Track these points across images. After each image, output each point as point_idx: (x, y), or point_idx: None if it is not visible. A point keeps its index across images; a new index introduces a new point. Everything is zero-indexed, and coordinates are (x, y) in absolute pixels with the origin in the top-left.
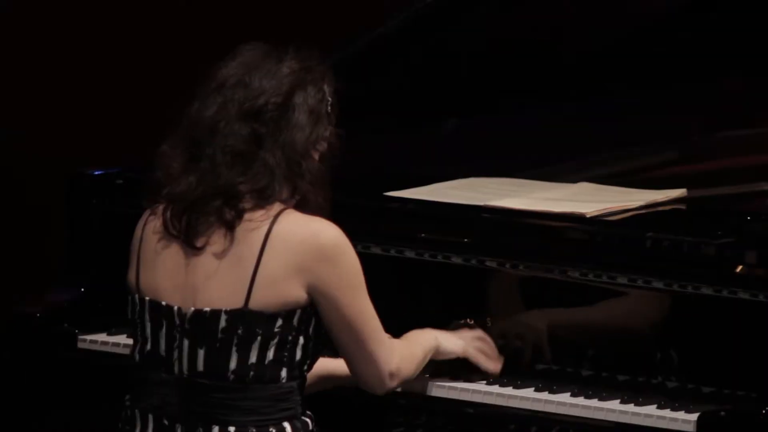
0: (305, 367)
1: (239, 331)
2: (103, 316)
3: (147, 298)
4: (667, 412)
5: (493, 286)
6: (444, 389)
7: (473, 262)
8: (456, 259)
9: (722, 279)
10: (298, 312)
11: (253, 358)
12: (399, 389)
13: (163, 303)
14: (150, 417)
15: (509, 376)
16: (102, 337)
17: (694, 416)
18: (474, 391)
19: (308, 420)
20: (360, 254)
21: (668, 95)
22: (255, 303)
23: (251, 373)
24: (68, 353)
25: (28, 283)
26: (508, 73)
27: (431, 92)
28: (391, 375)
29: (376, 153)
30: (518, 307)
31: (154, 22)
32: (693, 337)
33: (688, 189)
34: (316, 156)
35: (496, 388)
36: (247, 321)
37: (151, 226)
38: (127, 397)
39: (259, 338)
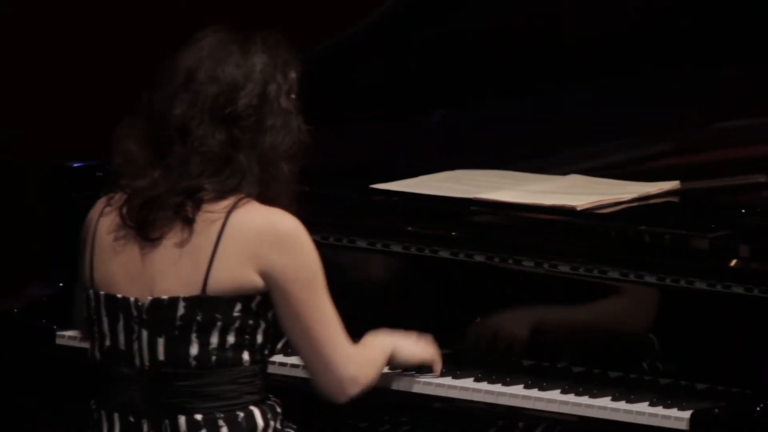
0: (266, 352)
1: (198, 318)
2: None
3: (102, 293)
4: (659, 410)
5: (481, 281)
6: (431, 386)
7: (461, 256)
8: (443, 254)
9: (716, 273)
10: (258, 297)
11: (213, 343)
12: (379, 386)
13: (119, 296)
14: (116, 416)
15: (498, 372)
16: (70, 332)
17: (687, 414)
18: (462, 388)
19: (275, 404)
20: (345, 248)
21: (662, 85)
22: (212, 289)
23: (213, 357)
24: (46, 349)
25: (6, 277)
26: (497, 63)
27: (418, 83)
28: (351, 381)
29: (362, 145)
30: (507, 302)
31: (134, 14)
32: (686, 333)
33: (682, 181)
34: (287, 155)
35: (484, 385)
36: (206, 307)
37: (106, 219)
38: (93, 401)
39: (219, 323)
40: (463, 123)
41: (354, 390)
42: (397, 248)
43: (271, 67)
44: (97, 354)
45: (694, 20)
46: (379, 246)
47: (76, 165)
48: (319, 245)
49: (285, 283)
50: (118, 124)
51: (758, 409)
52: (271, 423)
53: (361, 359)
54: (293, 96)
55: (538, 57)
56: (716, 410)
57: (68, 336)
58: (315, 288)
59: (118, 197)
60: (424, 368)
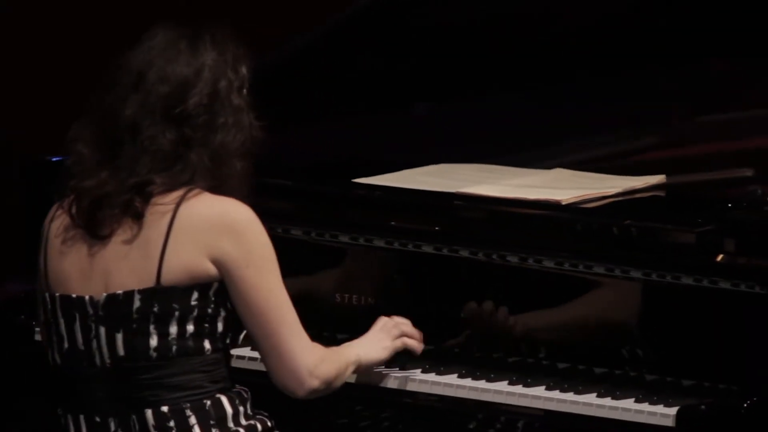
0: (228, 340)
1: (155, 309)
2: None
3: (57, 294)
4: (645, 406)
5: (465, 277)
6: (415, 383)
7: (445, 251)
8: (427, 248)
9: (702, 268)
10: (215, 285)
11: (173, 333)
12: (360, 381)
13: (74, 295)
14: (81, 418)
15: (482, 368)
16: None
17: (673, 410)
18: (446, 385)
19: (242, 391)
20: (327, 244)
21: (648, 79)
22: (166, 279)
23: (173, 347)
24: (24, 346)
25: None
26: (483, 56)
27: (402, 76)
28: (311, 373)
29: (343, 138)
30: (492, 298)
31: (112, 7)
32: (672, 329)
33: (668, 175)
34: (239, 151)
35: (468, 381)
36: (161, 298)
37: (56, 222)
38: (59, 408)
39: (176, 313)
40: (447, 116)
41: (312, 383)
42: (379, 243)
43: (221, 63)
44: (57, 358)
45: (679, 13)
46: (361, 241)
47: (54, 159)
48: (300, 240)
49: (237, 269)
50: (71, 126)
51: (745, 405)
52: (241, 409)
53: (320, 353)
54: (245, 92)
55: (525, 51)
56: (703, 406)
57: None
58: (268, 275)
59: (69, 200)
60: (403, 357)
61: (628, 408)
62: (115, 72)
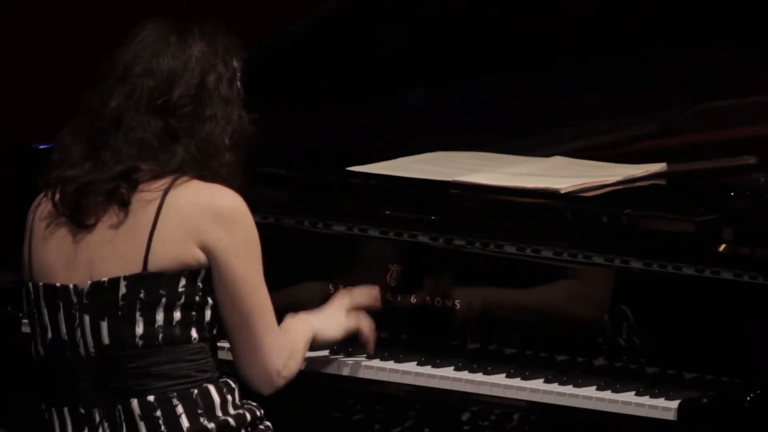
0: (215, 330)
1: (141, 295)
2: None
3: (41, 284)
4: (646, 399)
5: (461, 267)
6: (410, 375)
7: (440, 241)
8: (422, 238)
9: (704, 258)
10: (203, 272)
11: (159, 321)
12: (346, 374)
13: (58, 284)
14: (65, 411)
15: (479, 361)
16: None
17: (674, 404)
18: (442, 377)
19: (230, 381)
20: (321, 233)
21: (648, 63)
22: (153, 265)
23: (160, 335)
24: (11, 337)
25: None
26: (479, 40)
27: (395, 61)
28: (279, 373)
29: (338, 126)
30: (488, 288)
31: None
32: (673, 320)
33: (668, 163)
34: (229, 144)
35: (465, 374)
36: (148, 284)
37: (40, 210)
38: (43, 403)
39: (163, 300)
40: (443, 102)
41: (279, 383)
42: (374, 233)
43: (211, 55)
44: (41, 349)
45: None
46: (355, 230)
47: (41, 147)
48: (292, 230)
49: (226, 258)
50: (64, 119)
51: (748, 398)
52: (229, 398)
53: (290, 350)
54: (238, 84)
55: (522, 34)
56: (705, 400)
57: None
58: (255, 267)
59: (53, 189)
60: (355, 343)
61: (628, 401)
62: (105, 67)
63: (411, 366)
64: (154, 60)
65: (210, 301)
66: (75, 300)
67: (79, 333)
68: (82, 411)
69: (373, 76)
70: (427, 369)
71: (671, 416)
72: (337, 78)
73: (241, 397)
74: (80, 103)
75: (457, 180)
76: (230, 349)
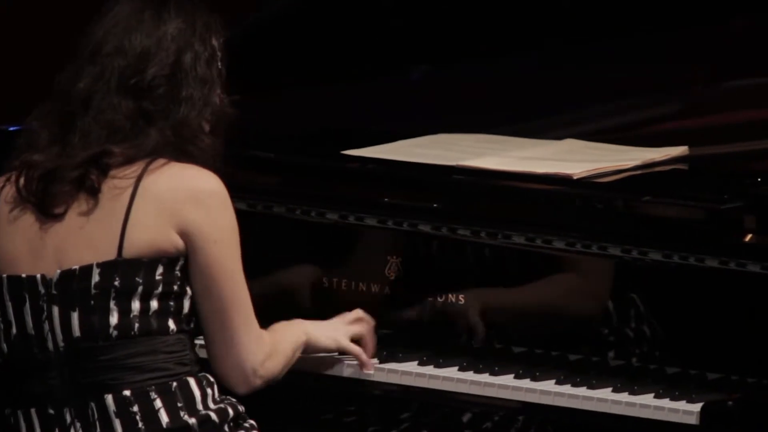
0: (192, 324)
1: (116, 283)
2: None
3: (4, 276)
4: (666, 402)
5: (466, 258)
6: (411, 376)
7: (444, 230)
8: (424, 227)
9: (728, 249)
10: (181, 260)
11: (135, 310)
12: (343, 374)
13: (23, 275)
14: (33, 413)
15: (485, 360)
16: None
17: (697, 407)
18: (445, 378)
19: (209, 375)
20: (314, 222)
21: (668, 39)
22: (129, 252)
23: (135, 325)
24: None
25: None
26: (487, 13)
27: (396, 36)
28: (255, 372)
29: (332, 106)
30: (495, 281)
31: None
32: (695, 316)
33: (690, 146)
34: (207, 127)
35: (470, 375)
36: (123, 271)
37: (4, 195)
38: (7, 409)
39: (140, 288)
40: (447, 81)
41: (255, 382)
42: (372, 221)
43: (187, 33)
44: (4, 346)
45: None
46: (352, 219)
47: (12, 129)
48: (283, 218)
49: (203, 242)
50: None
51: None
52: (209, 391)
53: (270, 348)
54: (218, 65)
55: (533, 8)
56: (729, 403)
57: None
58: (232, 254)
59: (16, 172)
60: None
61: (647, 404)
62: (76, 45)
63: (411, 366)
64: (126, 37)
65: (189, 291)
66: (42, 291)
67: (47, 326)
68: (52, 412)
69: (370, 52)
70: (429, 369)
71: (693, 420)
72: (332, 54)
73: (221, 392)
74: (52, 85)
75: (462, 164)
76: (205, 345)
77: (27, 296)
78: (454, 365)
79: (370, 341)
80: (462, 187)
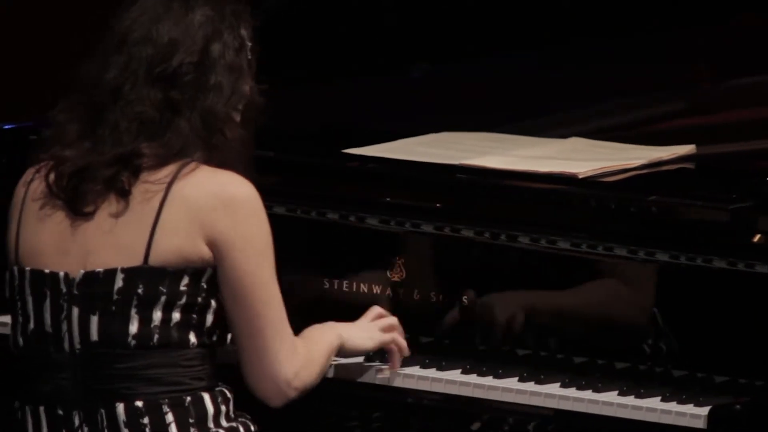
0: (215, 337)
1: (139, 290)
2: None
3: (27, 269)
4: (673, 406)
5: (469, 259)
6: (413, 379)
7: (447, 230)
8: (427, 228)
9: (737, 250)
10: (208, 271)
11: (156, 320)
12: (348, 377)
13: (47, 271)
14: (41, 410)
15: (489, 363)
16: (7, 318)
17: (704, 410)
18: (447, 382)
19: (225, 390)
20: (315, 221)
21: (674, 36)
22: (155, 259)
23: (155, 335)
24: None
25: None
26: (490, 10)
27: (398, 33)
28: (289, 383)
29: (332, 104)
30: (499, 282)
31: None
32: (703, 318)
33: (697, 145)
34: (237, 117)
35: (473, 378)
36: (148, 279)
37: (33, 187)
38: (16, 401)
39: (163, 298)
40: (449, 79)
41: (290, 394)
42: (373, 221)
43: (216, 21)
44: (20, 340)
45: None
46: (353, 219)
47: (6, 127)
48: (283, 218)
49: (231, 251)
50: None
51: None
52: (222, 408)
53: (304, 357)
54: (248, 53)
55: (537, 4)
56: (737, 406)
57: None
58: (264, 263)
59: (46, 164)
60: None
61: (653, 408)
62: (103, 35)
63: (414, 369)
64: (154, 26)
65: (213, 304)
66: (64, 289)
67: (65, 326)
68: (61, 412)
69: (371, 50)
70: (432, 372)
71: (700, 424)
72: (332, 52)
73: (235, 409)
74: (75, 77)
75: (465, 164)
76: (237, 355)
77: (48, 293)
78: (457, 368)
79: (401, 335)
80: (465, 187)
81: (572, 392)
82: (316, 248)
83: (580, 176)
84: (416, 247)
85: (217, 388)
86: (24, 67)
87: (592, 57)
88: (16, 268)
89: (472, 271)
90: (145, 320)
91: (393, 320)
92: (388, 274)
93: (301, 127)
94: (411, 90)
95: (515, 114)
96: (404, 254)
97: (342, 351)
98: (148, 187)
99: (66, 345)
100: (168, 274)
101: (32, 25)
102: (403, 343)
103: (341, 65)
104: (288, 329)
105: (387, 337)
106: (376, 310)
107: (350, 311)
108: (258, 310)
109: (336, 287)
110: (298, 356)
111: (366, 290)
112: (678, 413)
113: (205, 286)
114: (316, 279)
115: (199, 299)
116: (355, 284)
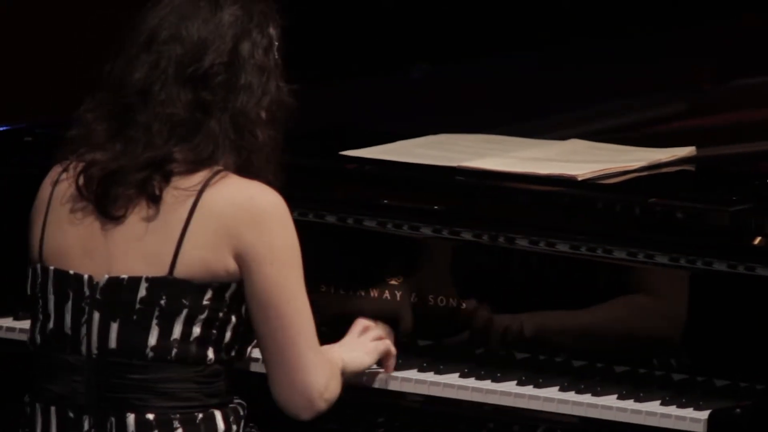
0: (233, 353)
1: (162, 302)
2: (9, 297)
3: (52, 268)
4: (672, 410)
5: (467, 262)
6: (411, 383)
7: (445, 233)
8: (425, 230)
9: (738, 252)
10: (232, 286)
11: (176, 334)
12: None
13: (71, 272)
14: (52, 410)
15: (487, 367)
16: (8, 322)
17: (704, 414)
18: (446, 385)
19: (238, 407)
20: (311, 224)
21: (674, 37)
22: (181, 271)
23: (173, 350)
24: None
25: None
26: (490, 11)
27: (397, 34)
28: (321, 394)
29: (331, 105)
30: (497, 285)
31: None
32: (703, 322)
33: (698, 147)
34: (265, 116)
35: (471, 382)
36: (172, 290)
37: (62, 187)
38: (27, 395)
39: (185, 311)
40: (449, 79)
41: (321, 406)
42: (371, 224)
43: (245, 20)
44: (38, 337)
45: None
46: (350, 221)
47: (1, 129)
48: None
49: (259, 265)
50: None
51: None
52: (233, 427)
53: (330, 369)
54: (275, 53)
55: (537, 4)
56: (737, 410)
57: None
58: (292, 274)
59: (75, 165)
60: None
61: (653, 411)
62: (128, 33)
63: (411, 373)
64: (182, 25)
65: (234, 320)
66: (87, 293)
67: (84, 329)
68: (71, 415)
69: (370, 51)
70: (430, 376)
71: (700, 428)
72: (331, 52)
73: (246, 425)
74: (101, 78)
75: (463, 165)
76: (266, 370)
77: (71, 294)
78: (455, 372)
79: (391, 339)
80: (463, 189)
81: (571, 396)
82: (312, 251)
83: (580, 178)
84: (414, 249)
85: (231, 405)
86: (19, 69)
87: (592, 58)
88: (39, 266)
89: (470, 274)
90: (165, 333)
91: (380, 329)
92: (386, 276)
93: (299, 127)
94: (411, 90)
95: (515, 115)
96: (402, 257)
97: (345, 375)
98: (177, 194)
99: (83, 349)
100: (192, 287)
101: (28, 27)
102: (393, 348)
103: (341, 65)
104: (316, 339)
105: (382, 346)
106: (362, 322)
107: (346, 316)
108: (289, 320)
109: (332, 291)
110: (327, 367)
111: (363, 293)
112: (678, 417)
113: (227, 301)
114: (312, 283)
115: (221, 314)
116: (351, 288)
